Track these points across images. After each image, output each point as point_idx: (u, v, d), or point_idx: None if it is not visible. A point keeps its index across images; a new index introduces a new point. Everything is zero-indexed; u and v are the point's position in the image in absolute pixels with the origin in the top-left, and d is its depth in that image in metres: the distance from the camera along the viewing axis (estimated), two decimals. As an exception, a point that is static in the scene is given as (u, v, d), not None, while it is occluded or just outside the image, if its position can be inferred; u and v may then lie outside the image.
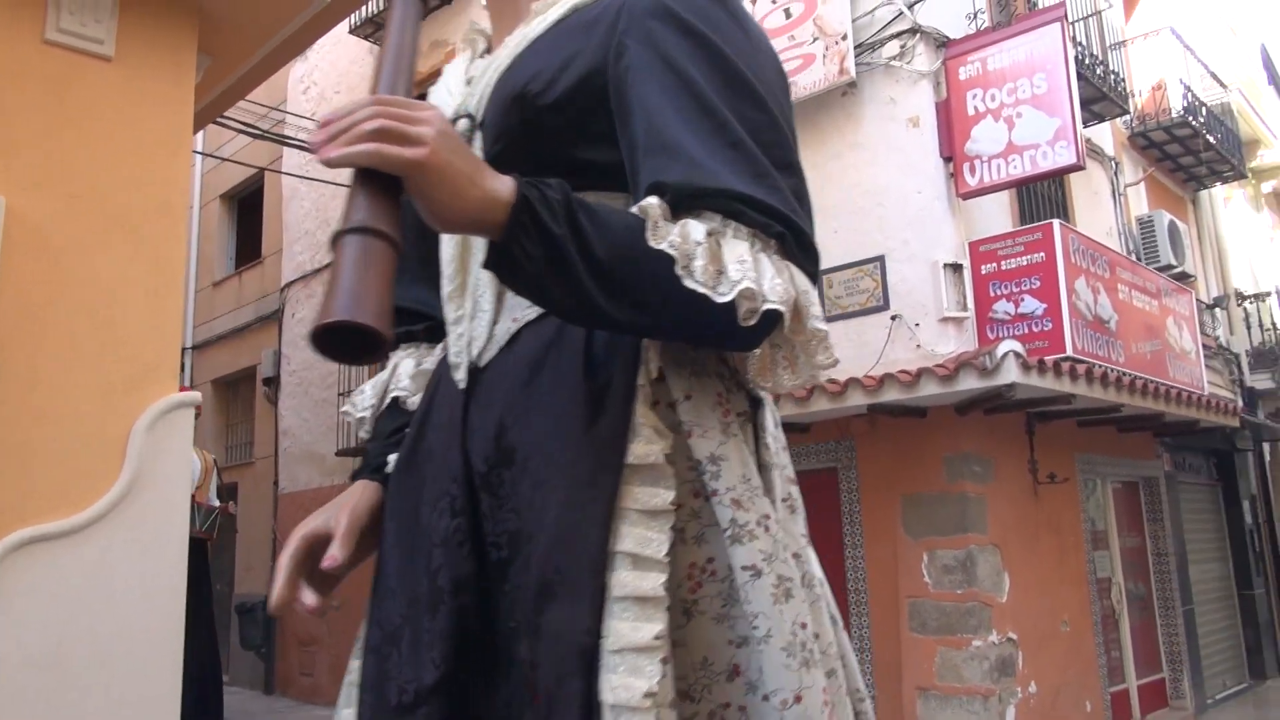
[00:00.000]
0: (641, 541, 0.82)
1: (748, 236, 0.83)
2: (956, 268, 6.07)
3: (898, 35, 6.36)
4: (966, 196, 6.18)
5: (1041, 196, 7.60)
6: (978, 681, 5.61)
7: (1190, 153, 9.77)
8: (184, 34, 3.17)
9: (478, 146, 1.00)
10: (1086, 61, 7.39)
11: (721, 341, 0.89)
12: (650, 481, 0.85)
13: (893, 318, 6.17)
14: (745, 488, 0.88)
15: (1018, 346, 5.22)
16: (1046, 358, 5.51)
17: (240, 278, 12.47)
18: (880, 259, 6.29)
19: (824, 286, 6.53)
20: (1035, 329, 5.94)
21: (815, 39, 6.52)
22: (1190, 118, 9.36)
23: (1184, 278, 8.90)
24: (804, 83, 6.40)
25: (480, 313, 0.99)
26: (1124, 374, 6.30)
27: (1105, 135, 8.89)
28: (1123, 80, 8.09)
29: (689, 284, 0.79)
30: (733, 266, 0.80)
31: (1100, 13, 8.16)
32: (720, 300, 0.79)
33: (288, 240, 11.29)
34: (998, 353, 5.15)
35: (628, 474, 0.85)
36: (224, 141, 12.82)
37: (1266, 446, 11.44)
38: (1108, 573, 7.58)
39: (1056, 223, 5.98)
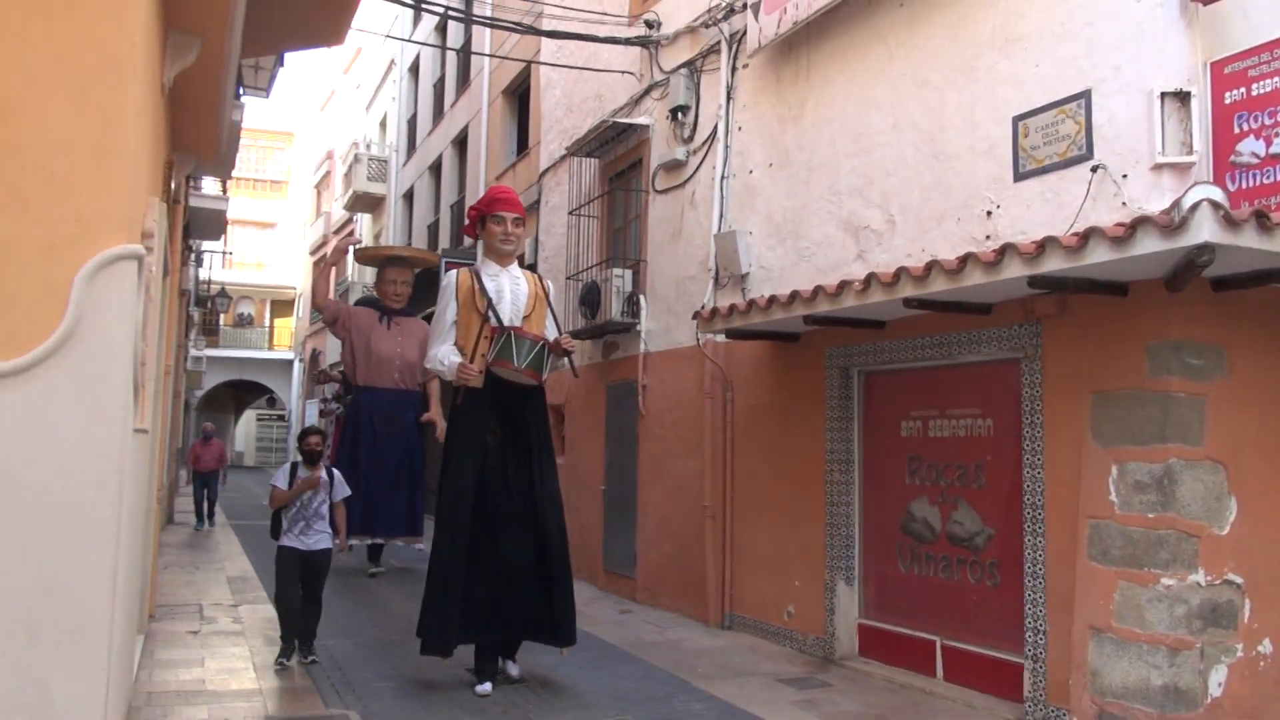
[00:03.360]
0: None
1: None
2: (1182, 97, 4.57)
3: None
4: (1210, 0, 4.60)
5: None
6: (1164, 629, 4.40)
7: None
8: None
9: None
10: None
11: None
12: None
13: (1093, 169, 4.84)
14: None
15: (1216, 193, 3.80)
16: (1273, 214, 3.99)
17: (515, 169, 13.07)
18: (1085, 95, 4.93)
19: (1019, 135, 5.29)
20: (1294, 174, 4.33)
21: None
22: None
23: None
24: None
25: None
26: None
27: None
28: None
29: None
30: None
31: None
32: None
33: (544, 129, 11.57)
34: (1186, 203, 3.79)
35: None
36: (502, 41, 13.38)
37: None
38: None
39: (1336, 21, 4.24)
